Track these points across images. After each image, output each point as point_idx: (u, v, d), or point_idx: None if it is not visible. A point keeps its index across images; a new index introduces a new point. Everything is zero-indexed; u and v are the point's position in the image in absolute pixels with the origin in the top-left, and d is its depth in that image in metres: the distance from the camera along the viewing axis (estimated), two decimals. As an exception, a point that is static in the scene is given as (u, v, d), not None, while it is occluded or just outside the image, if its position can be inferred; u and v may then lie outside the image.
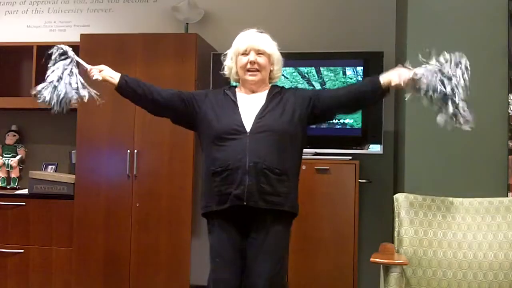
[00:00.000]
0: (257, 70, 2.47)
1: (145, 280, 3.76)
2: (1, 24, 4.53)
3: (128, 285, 3.78)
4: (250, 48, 2.46)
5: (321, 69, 3.83)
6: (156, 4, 4.37)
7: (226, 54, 2.58)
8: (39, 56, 4.13)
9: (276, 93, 2.51)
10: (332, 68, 3.82)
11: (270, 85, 2.57)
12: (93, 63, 4.10)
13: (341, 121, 3.78)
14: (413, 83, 2.32)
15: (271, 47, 2.51)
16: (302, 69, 3.85)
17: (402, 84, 2.34)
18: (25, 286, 3.89)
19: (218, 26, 4.24)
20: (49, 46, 4.41)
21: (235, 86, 2.59)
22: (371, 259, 2.52)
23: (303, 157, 3.64)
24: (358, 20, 4.10)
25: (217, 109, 2.46)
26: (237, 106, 2.46)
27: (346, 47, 3.97)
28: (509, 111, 3.16)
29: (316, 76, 3.83)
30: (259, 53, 2.47)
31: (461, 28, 3.16)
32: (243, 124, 2.39)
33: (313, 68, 3.84)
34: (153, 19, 4.34)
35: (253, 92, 2.52)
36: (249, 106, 2.46)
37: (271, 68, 2.54)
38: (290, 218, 2.50)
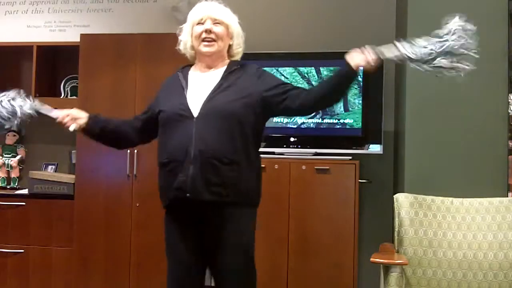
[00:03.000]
0: (213, 40, 2.24)
1: (145, 280, 3.76)
2: (1, 24, 4.53)
3: (128, 285, 3.77)
4: (207, 17, 2.25)
5: (321, 69, 3.83)
6: (156, 4, 4.36)
7: (182, 28, 2.36)
8: (39, 56, 4.13)
9: (235, 69, 2.27)
10: (332, 68, 3.82)
11: (229, 61, 2.33)
12: (93, 63, 4.12)
13: (341, 121, 3.78)
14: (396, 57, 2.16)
15: (229, 17, 2.29)
16: (302, 69, 3.84)
17: (370, 66, 2.12)
18: (25, 286, 3.89)
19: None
20: (49, 46, 4.42)
21: (191, 65, 2.37)
22: (371, 259, 2.52)
23: (303, 157, 3.70)
24: (358, 20, 4.09)
25: (165, 96, 2.29)
26: (184, 87, 2.25)
27: (346, 47, 3.95)
28: (509, 111, 3.16)
29: (316, 76, 3.83)
30: (215, 22, 2.25)
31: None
32: (188, 108, 2.17)
33: (313, 68, 3.84)
34: (153, 19, 4.34)
35: (209, 68, 2.29)
36: (201, 85, 2.24)
37: (230, 43, 2.30)
38: (248, 207, 2.23)
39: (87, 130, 2.36)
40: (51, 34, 4.46)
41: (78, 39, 3.95)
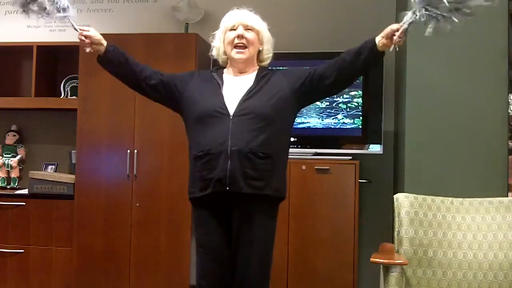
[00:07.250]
0: (245, 47, 2.38)
1: (145, 280, 3.76)
2: (1, 24, 4.53)
3: (128, 285, 3.77)
4: (239, 24, 2.39)
5: (321, 69, 3.82)
6: (156, 4, 4.36)
7: (214, 34, 2.50)
8: (39, 56, 4.13)
9: (266, 74, 2.42)
10: (332, 68, 3.81)
11: (259, 66, 2.48)
12: (93, 63, 4.10)
13: (341, 121, 3.78)
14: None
15: (260, 24, 2.44)
16: (302, 69, 3.84)
17: (396, 43, 2.27)
18: (25, 286, 3.89)
19: (218, 26, 4.23)
20: (49, 46, 4.42)
21: (224, 67, 2.50)
22: (371, 259, 2.52)
23: (303, 157, 3.70)
24: (358, 20, 4.09)
25: (201, 91, 2.38)
26: (221, 87, 2.37)
27: (346, 47, 3.96)
28: (509, 111, 3.17)
29: (316, 76, 3.82)
30: (247, 28, 2.39)
31: (461, 28, 3.16)
32: (225, 106, 2.29)
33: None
34: (153, 19, 4.34)
35: (241, 72, 2.43)
36: (236, 87, 2.37)
37: (261, 48, 2.45)
38: (276, 202, 2.39)
39: (107, 58, 2.46)
40: (51, 34, 4.46)
41: (78, 39, 3.94)
